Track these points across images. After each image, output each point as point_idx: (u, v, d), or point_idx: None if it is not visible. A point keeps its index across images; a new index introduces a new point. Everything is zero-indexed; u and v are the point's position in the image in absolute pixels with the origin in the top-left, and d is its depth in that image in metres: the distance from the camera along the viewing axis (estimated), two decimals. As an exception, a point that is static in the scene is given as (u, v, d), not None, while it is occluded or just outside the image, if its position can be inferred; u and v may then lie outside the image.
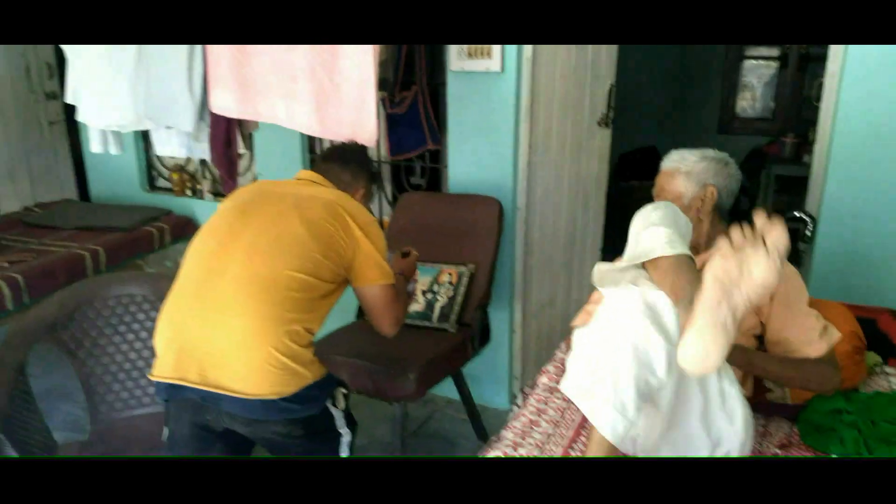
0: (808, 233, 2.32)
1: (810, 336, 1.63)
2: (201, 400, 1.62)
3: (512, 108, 2.63)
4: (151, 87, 2.37)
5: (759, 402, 1.74)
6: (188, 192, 3.54)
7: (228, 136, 2.39)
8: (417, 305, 2.52)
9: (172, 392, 1.65)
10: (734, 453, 1.48)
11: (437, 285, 2.55)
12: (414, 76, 2.82)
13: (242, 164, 3.39)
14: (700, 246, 1.78)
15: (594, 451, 1.29)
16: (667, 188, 1.77)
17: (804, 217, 2.33)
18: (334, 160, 1.99)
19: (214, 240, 1.73)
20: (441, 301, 2.51)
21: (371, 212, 2.03)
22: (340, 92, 2.14)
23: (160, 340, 1.67)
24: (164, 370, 1.63)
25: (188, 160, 3.51)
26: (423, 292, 2.54)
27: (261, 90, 2.22)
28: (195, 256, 1.74)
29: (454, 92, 2.72)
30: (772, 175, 4.54)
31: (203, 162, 3.49)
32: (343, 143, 2.11)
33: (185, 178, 3.54)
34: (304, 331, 1.64)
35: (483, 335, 2.53)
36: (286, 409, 1.61)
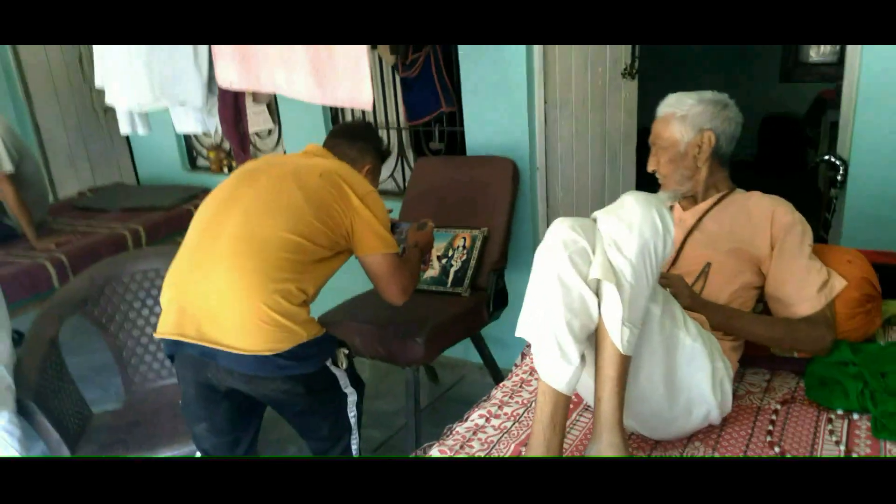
0: (840, 178, 2.16)
1: (806, 291, 1.53)
2: (200, 356, 1.67)
3: (523, 64, 2.55)
4: (163, 66, 2.43)
5: (764, 357, 1.66)
6: (225, 170, 3.64)
7: (237, 109, 2.43)
8: (433, 271, 2.52)
9: (174, 348, 1.72)
10: (713, 415, 1.42)
11: (451, 250, 2.53)
12: (426, 38, 2.78)
13: (271, 140, 3.46)
14: (698, 195, 1.69)
15: (541, 402, 1.26)
16: (662, 135, 1.68)
17: (835, 161, 2.17)
18: (342, 136, 2.03)
19: (215, 205, 1.79)
20: (455, 266, 2.49)
21: (377, 186, 2.03)
22: (335, 58, 2.12)
23: (164, 300, 1.74)
24: (165, 327, 1.70)
25: (223, 139, 3.60)
26: (438, 257, 2.53)
27: (260, 61, 2.24)
28: (197, 221, 1.80)
29: (465, 50, 2.66)
30: (827, 121, 4.25)
31: (236, 139, 3.57)
32: (352, 121, 2.12)
33: (222, 155, 3.64)
34: (298, 290, 1.67)
35: (499, 298, 2.50)
36: (281, 365, 1.64)
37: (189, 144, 3.80)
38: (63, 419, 2.07)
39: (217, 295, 1.64)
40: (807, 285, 1.54)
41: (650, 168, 1.73)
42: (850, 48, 2.10)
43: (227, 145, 3.67)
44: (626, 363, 1.26)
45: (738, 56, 5.77)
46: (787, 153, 5.11)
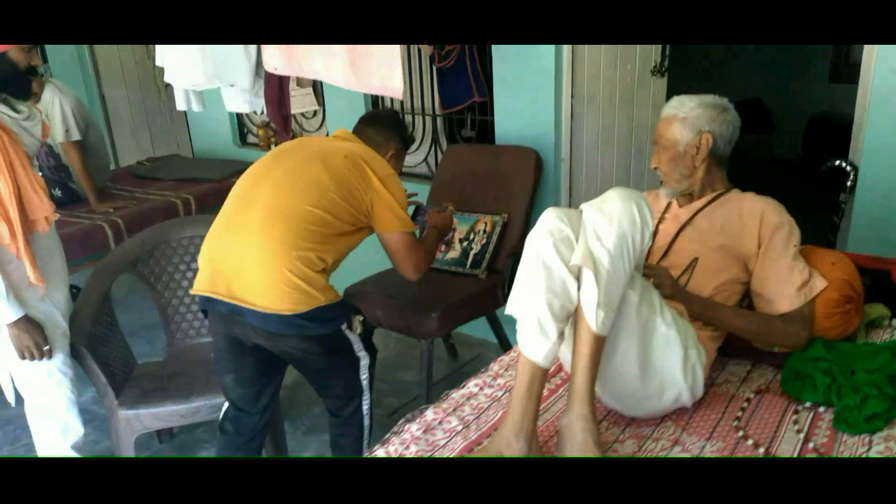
0: (849, 182, 2.22)
1: (787, 289, 1.63)
2: (229, 312, 1.87)
3: (552, 59, 2.66)
4: (215, 49, 2.63)
5: (747, 349, 1.76)
6: (272, 147, 3.84)
7: (281, 92, 2.62)
8: (454, 252, 2.66)
9: (207, 304, 1.92)
10: (684, 398, 1.53)
11: (472, 233, 2.67)
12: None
13: (316, 121, 3.65)
14: (694, 193, 1.79)
15: (520, 372, 1.39)
16: (664, 135, 1.79)
17: (846, 166, 2.22)
18: (369, 123, 2.20)
19: (251, 178, 1.99)
20: (475, 249, 2.63)
21: (398, 171, 2.19)
22: (370, 49, 2.28)
23: (201, 260, 1.94)
24: (200, 285, 1.90)
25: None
26: (460, 240, 2.68)
27: (303, 49, 2.42)
28: (234, 192, 2.00)
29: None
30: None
31: (284, 118, 3.78)
32: (380, 110, 2.28)
33: (270, 133, 3.85)
34: (318, 259, 1.84)
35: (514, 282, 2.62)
36: (300, 325, 1.83)
37: (241, 122, 4.03)
38: (111, 365, 2.31)
39: (246, 258, 1.82)
40: (788, 284, 1.63)
41: (652, 165, 1.84)
42: (865, 52, 2.14)
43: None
44: (599, 342, 1.39)
45: (785, 55, 5.72)
46: (831, 155, 5.07)
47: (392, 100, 3.34)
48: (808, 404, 1.56)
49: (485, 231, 2.65)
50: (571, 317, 1.43)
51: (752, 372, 1.74)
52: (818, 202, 2.71)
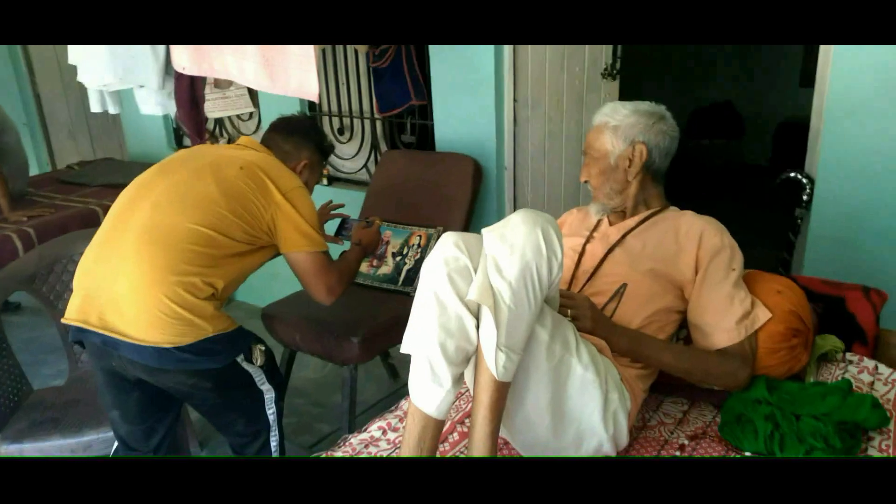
0: (805, 196, 2.04)
1: (725, 321, 1.43)
2: (102, 344, 1.64)
3: (491, 60, 2.46)
4: (123, 48, 2.40)
5: (684, 386, 1.56)
6: (208, 151, 3.61)
7: (193, 94, 2.39)
8: (386, 268, 2.45)
9: (79, 335, 1.68)
10: (605, 448, 1.34)
11: (406, 247, 2.46)
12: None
13: (251, 124, 3.42)
14: (627, 210, 1.60)
15: (410, 423, 1.20)
16: (594, 145, 1.60)
17: (801, 179, 2.04)
18: (278, 130, 1.99)
19: (131, 193, 1.76)
20: (408, 264, 2.42)
21: (315, 182, 2.00)
22: (285, 49, 2.07)
23: (74, 285, 1.71)
24: (70, 313, 1.67)
25: (207, 119, 3.57)
26: (394, 255, 2.47)
27: (212, 47, 2.19)
28: (112, 209, 1.77)
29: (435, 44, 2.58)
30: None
31: (219, 121, 3.55)
32: (292, 115, 2.09)
33: (206, 135, 3.60)
34: (204, 284, 1.62)
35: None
36: (183, 359, 1.60)
37: (176, 124, 3.78)
38: (-8, 391, 2.07)
39: (119, 284, 1.60)
40: (727, 315, 1.44)
41: (582, 178, 1.65)
42: (821, 55, 1.97)
43: (209, 126, 3.65)
44: (502, 390, 1.19)
45: (754, 58, 5.59)
46: (800, 160, 4.97)
47: (329, 101, 3.13)
48: (748, 454, 1.37)
49: (419, 245, 2.44)
50: (472, 359, 1.23)
51: (688, 412, 1.54)
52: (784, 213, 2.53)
